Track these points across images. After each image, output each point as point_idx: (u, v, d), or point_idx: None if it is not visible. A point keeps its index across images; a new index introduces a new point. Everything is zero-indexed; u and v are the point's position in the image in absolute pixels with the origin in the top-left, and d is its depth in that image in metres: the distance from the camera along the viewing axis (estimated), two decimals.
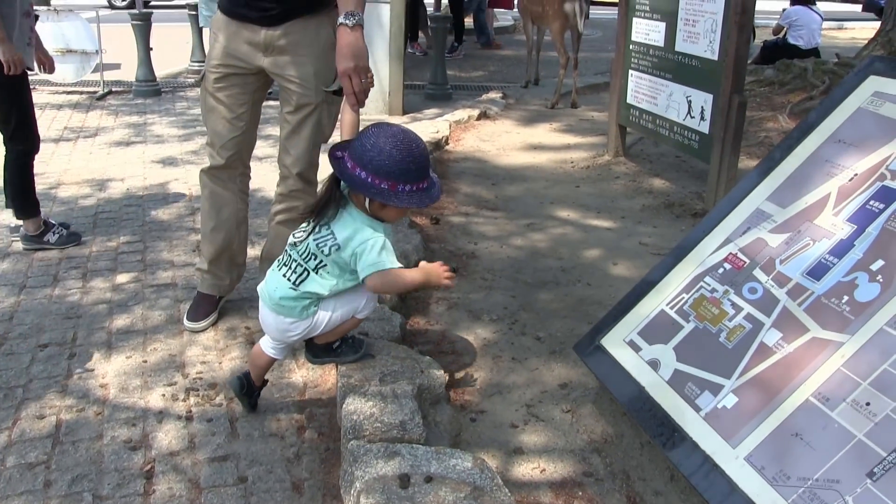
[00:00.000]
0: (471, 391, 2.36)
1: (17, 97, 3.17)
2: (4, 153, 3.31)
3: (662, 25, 4.35)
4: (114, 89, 7.02)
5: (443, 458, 1.80)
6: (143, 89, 6.77)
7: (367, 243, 1.91)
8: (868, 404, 1.52)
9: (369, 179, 1.86)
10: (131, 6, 14.53)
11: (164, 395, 2.32)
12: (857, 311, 1.66)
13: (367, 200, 1.94)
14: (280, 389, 2.34)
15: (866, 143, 1.92)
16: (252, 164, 2.72)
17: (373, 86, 2.14)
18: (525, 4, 7.10)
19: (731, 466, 1.64)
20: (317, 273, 1.98)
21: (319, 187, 2.20)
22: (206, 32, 6.86)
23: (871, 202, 1.80)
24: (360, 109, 2.15)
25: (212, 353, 2.57)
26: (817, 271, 1.79)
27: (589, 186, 4.54)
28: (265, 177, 4.23)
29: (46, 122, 5.65)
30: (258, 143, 2.81)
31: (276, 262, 2.09)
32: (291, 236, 2.05)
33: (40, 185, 3.65)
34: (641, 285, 2.18)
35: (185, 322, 2.71)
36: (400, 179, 1.86)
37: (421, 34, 10.00)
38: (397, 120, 6.07)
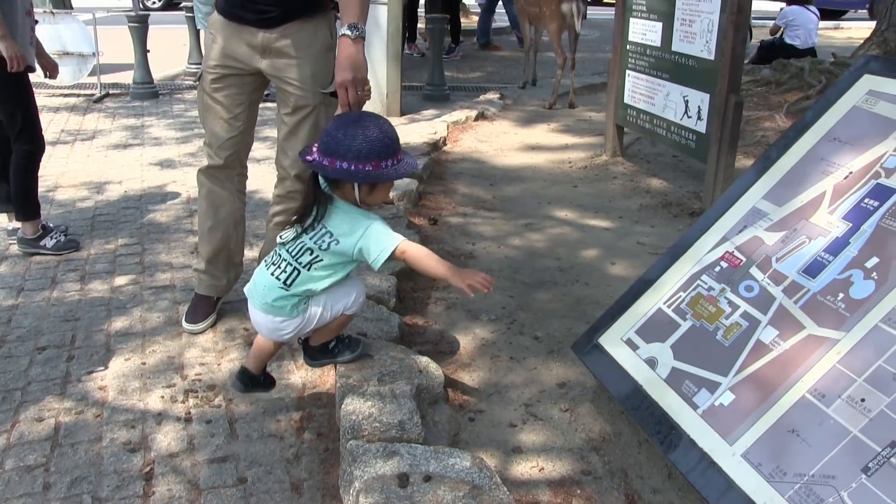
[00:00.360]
0: (469, 391, 2.37)
1: (21, 96, 3.17)
2: (12, 154, 3.29)
3: (659, 25, 4.36)
4: (111, 91, 7.02)
5: (441, 457, 1.80)
6: (141, 91, 6.78)
7: (368, 230, 1.94)
8: (863, 400, 1.53)
9: (352, 167, 1.89)
10: (167, 6, 14.54)
11: (163, 397, 2.32)
12: (853, 308, 1.67)
13: (357, 190, 1.95)
14: (279, 390, 2.34)
15: (861, 142, 1.93)
16: (250, 165, 2.72)
17: (369, 98, 2.16)
18: (522, 5, 7.10)
19: (729, 463, 1.64)
20: (309, 270, 1.99)
21: None
22: (202, 34, 6.87)
23: (866, 200, 1.81)
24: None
25: (210, 354, 2.57)
26: (813, 269, 1.80)
27: (587, 186, 4.55)
28: (263, 178, 4.23)
29: (43, 125, 5.52)
30: (256, 144, 2.81)
31: (263, 262, 2.10)
32: (279, 237, 2.06)
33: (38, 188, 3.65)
34: (639, 284, 2.19)
35: (184, 324, 2.71)
36: (381, 156, 1.90)
37: (420, 34, 9.98)
38: (395, 121, 6.07)
